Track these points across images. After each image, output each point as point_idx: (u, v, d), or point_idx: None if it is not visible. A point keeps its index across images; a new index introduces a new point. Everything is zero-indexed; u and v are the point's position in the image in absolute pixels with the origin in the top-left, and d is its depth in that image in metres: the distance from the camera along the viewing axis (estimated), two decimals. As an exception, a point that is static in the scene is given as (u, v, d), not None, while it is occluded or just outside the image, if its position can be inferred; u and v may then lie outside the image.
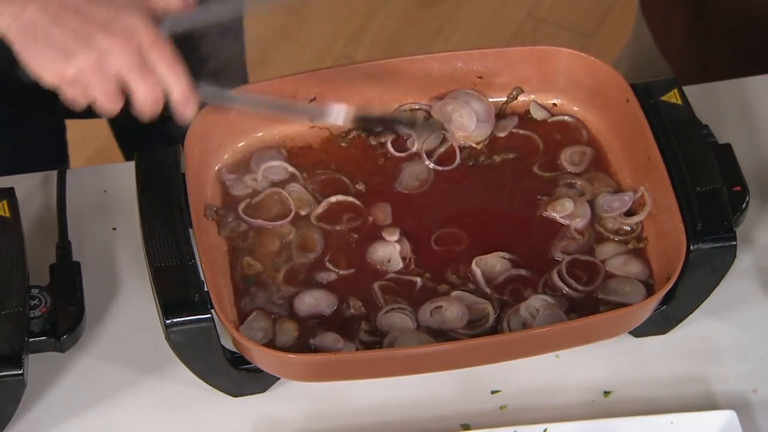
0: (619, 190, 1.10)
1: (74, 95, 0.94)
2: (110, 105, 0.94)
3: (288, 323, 1.03)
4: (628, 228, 1.08)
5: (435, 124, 1.07)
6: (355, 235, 1.08)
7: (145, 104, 0.94)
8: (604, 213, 1.08)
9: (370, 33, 2.28)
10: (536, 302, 1.03)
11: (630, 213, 1.08)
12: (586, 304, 1.04)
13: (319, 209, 1.09)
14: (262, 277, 1.06)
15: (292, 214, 1.08)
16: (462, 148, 1.13)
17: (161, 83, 0.94)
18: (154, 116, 0.96)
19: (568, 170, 1.11)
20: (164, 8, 0.97)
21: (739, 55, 1.32)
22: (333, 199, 1.09)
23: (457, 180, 1.12)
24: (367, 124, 1.05)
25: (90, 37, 0.92)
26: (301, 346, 1.02)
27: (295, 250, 1.07)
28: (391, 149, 1.13)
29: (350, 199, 1.10)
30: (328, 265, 1.06)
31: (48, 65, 0.92)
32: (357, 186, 1.11)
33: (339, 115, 1.01)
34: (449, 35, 2.37)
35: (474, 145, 1.13)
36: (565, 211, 1.08)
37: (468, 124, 1.12)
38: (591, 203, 1.09)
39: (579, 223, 1.08)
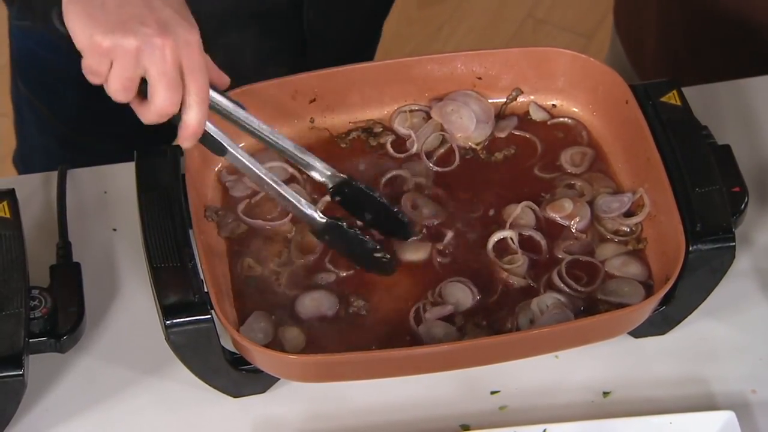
0: (618, 191, 1.10)
1: (94, 67, 0.92)
2: (122, 93, 0.93)
3: (291, 329, 1.03)
4: (627, 229, 1.08)
5: (390, 266, 1.04)
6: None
7: (155, 113, 0.94)
8: (603, 214, 1.09)
9: (370, 33, 2.28)
10: (549, 299, 1.03)
11: (629, 214, 1.09)
12: (586, 304, 1.04)
13: (319, 207, 1.09)
14: (263, 278, 1.06)
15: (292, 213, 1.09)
16: (461, 149, 1.13)
17: (180, 105, 0.93)
18: (149, 124, 0.96)
19: (568, 171, 1.12)
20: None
21: (708, 70, 1.33)
22: (329, 198, 1.09)
23: (456, 181, 1.12)
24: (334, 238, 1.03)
25: (144, 25, 0.91)
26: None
27: (294, 252, 1.07)
28: (391, 150, 1.14)
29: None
30: (328, 266, 1.06)
31: (87, 27, 0.90)
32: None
33: (319, 220, 1.02)
34: (449, 36, 2.37)
35: (474, 146, 1.13)
36: (564, 211, 1.08)
37: (468, 125, 1.12)
38: (591, 204, 1.09)
39: (579, 223, 1.08)
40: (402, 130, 1.14)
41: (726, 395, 1.06)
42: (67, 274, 1.08)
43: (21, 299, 1.00)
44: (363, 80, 1.13)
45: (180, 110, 0.94)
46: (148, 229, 1.02)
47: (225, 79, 0.99)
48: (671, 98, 1.10)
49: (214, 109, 0.98)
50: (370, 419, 1.05)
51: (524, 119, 1.15)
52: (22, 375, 0.97)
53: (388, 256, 1.04)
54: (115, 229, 1.15)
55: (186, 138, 0.95)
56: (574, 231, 1.08)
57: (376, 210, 1.05)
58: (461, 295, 1.04)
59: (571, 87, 1.14)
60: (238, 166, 1.01)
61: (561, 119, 1.15)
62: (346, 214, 1.06)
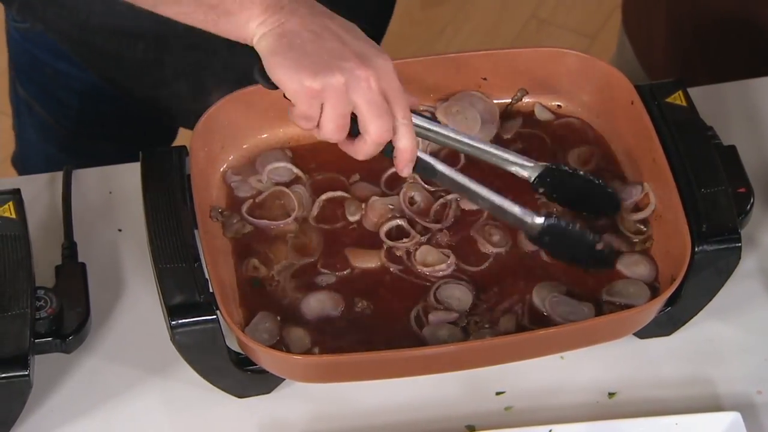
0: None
1: (307, 111, 0.94)
2: (338, 132, 0.94)
3: (296, 330, 1.03)
4: (634, 225, 1.08)
5: (611, 259, 1.03)
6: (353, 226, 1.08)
7: (372, 143, 0.95)
8: None
9: (373, 34, 2.28)
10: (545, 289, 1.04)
11: (635, 210, 1.09)
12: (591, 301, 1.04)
13: (315, 210, 1.09)
14: (267, 278, 1.06)
15: (296, 212, 1.09)
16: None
17: (392, 131, 0.95)
18: (369, 157, 0.96)
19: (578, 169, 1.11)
20: None
21: (718, 70, 1.33)
22: (324, 197, 1.09)
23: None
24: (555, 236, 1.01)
25: (344, 60, 0.92)
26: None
27: (291, 253, 1.07)
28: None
29: (340, 194, 1.10)
30: (322, 270, 1.06)
31: (295, 74, 0.92)
32: (351, 180, 1.11)
33: (539, 224, 1.01)
34: (452, 36, 2.37)
35: None
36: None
37: (473, 126, 1.12)
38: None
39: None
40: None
41: (732, 396, 1.06)
42: (72, 275, 1.08)
43: (27, 299, 1.00)
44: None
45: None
46: (153, 229, 1.02)
47: (414, 100, 1.00)
48: (677, 99, 1.10)
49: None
50: (375, 420, 1.05)
51: (529, 120, 1.15)
52: (27, 375, 0.97)
53: (610, 247, 1.03)
54: (120, 230, 1.15)
55: (404, 164, 0.97)
56: None
57: (581, 189, 1.04)
58: (460, 295, 1.04)
59: (577, 87, 1.14)
60: (450, 186, 1.01)
61: (566, 119, 1.15)
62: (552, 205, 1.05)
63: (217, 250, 1.06)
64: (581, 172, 1.06)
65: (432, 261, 1.06)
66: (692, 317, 1.08)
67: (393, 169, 1.10)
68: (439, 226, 1.07)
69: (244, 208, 1.09)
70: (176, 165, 1.06)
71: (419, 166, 0.98)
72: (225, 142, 1.11)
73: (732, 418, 1.01)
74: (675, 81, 1.11)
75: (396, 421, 1.05)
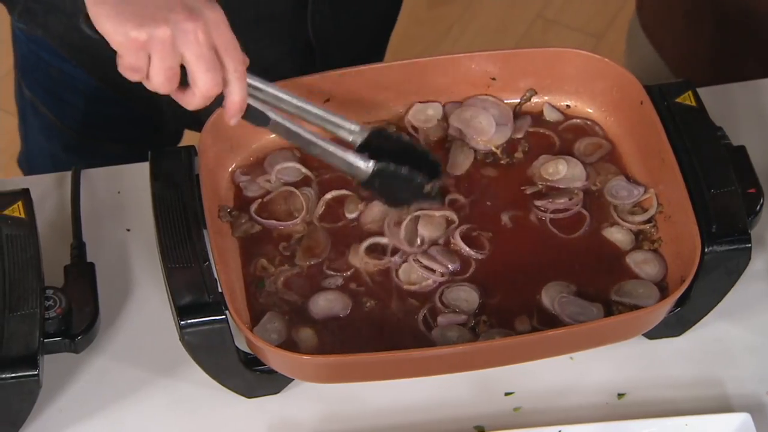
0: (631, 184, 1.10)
1: (134, 63, 0.92)
2: (166, 83, 0.93)
3: (304, 330, 1.03)
4: (636, 224, 1.08)
5: (438, 197, 1.05)
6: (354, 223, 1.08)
7: (200, 96, 0.94)
8: (611, 198, 1.09)
9: (379, 34, 2.28)
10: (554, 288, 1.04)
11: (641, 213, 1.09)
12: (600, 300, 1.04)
13: (320, 209, 1.09)
14: (276, 278, 1.06)
15: (304, 212, 1.09)
16: (482, 153, 1.13)
17: (222, 83, 0.94)
18: (194, 110, 0.96)
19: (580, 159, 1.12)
20: None
21: (736, 70, 1.32)
22: (329, 195, 1.09)
23: (467, 182, 1.12)
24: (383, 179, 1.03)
25: (172, 11, 0.90)
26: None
27: (301, 255, 1.07)
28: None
29: (343, 192, 1.09)
30: (327, 272, 1.06)
31: (119, 25, 0.90)
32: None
33: (367, 167, 1.01)
34: (458, 36, 2.37)
35: (494, 149, 1.13)
36: (558, 174, 1.09)
37: (488, 129, 1.12)
38: (599, 192, 1.10)
39: (577, 184, 1.09)
40: (417, 123, 1.14)
41: (741, 397, 1.05)
42: (81, 274, 1.08)
43: (36, 299, 1.00)
44: (377, 81, 1.13)
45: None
46: (162, 229, 1.02)
47: (245, 58, 0.98)
48: (686, 99, 1.09)
49: None
50: (384, 420, 1.05)
51: (538, 120, 1.15)
52: (37, 375, 0.97)
53: (437, 187, 1.03)
54: (128, 230, 1.15)
55: (233, 114, 0.96)
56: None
57: (404, 154, 1.04)
58: (466, 296, 1.04)
59: (586, 88, 1.14)
60: (281, 134, 1.00)
61: (575, 120, 1.15)
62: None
63: (226, 250, 1.06)
64: (405, 138, 1.05)
65: (416, 279, 1.05)
66: (702, 318, 1.07)
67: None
68: (414, 249, 1.06)
69: (253, 207, 1.09)
70: (185, 165, 1.06)
71: (251, 114, 0.97)
72: (234, 142, 1.11)
73: (742, 419, 1.01)
74: (684, 81, 1.11)
75: (405, 422, 1.05)
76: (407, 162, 1.03)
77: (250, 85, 0.98)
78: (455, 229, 1.07)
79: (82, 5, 0.92)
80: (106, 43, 1.22)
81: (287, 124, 0.99)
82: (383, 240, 1.07)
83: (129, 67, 0.92)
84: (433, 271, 1.05)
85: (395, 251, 1.06)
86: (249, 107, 0.97)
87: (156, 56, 0.91)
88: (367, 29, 1.34)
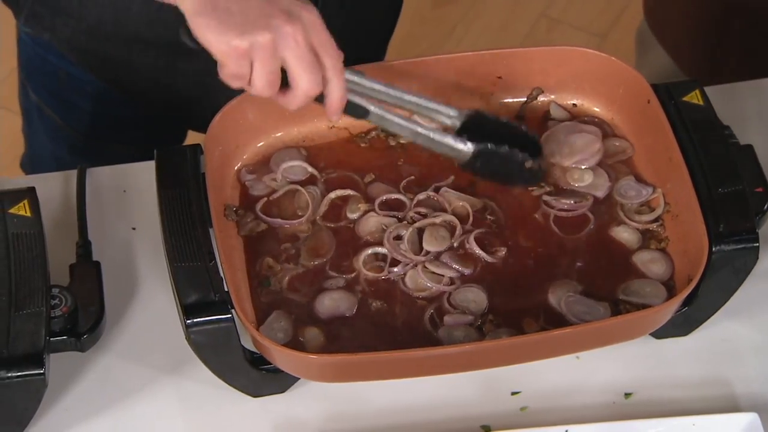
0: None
1: (237, 70, 0.93)
2: (269, 88, 0.94)
3: (310, 329, 1.03)
4: (642, 225, 1.08)
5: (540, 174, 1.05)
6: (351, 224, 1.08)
7: (302, 96, 0.95)
8: (619, 197, 1.09)
9: (383, 33, 2.28)
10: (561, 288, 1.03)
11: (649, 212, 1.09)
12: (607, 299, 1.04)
13: (323, 208, 1.09)
14: (282, 277, 1.06)
15: (310, 211, 1.08)
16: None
17: (322, 83, 0.95)
18: (301, 107, 0.97)
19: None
20: None
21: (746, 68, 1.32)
22: (333, 195, 1.09)
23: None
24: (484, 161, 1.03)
25: (271, 17, 0.92)
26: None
27: (306, 255, 1.07)
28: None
29: (347, 192, 1.09)
30: (330, 273, 1.06)
31: (221, 34, 0.92)
32: (366, 180, 1.11)
33: (468, 149, 1.02)
34: (462, 35, 2.37)
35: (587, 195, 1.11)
36: (582, 181, 1.09)
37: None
38: (611, 187, 1.10)
39: (599, 192, 1.09)
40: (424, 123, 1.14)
41: (749, 397, 1.05)
42: (87, 273, 1.07)
43: (42, 298, 1.00)
44: (382, 79, 1.13)
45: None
46: (168, 227, 1.02)
47: (341, 55, 0.99)
48: (693, 98, 1.09)
49: None
50: (390, 420, 1.05)
51: (545, 119, 1.15)
52: (43, 374, 0.97)
53: (539, 164, 1.04)
54: (134, 228, 1.15)
55: (335, 111, 0.97)
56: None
57: (503, 134, 1.04)
58: (474, 297, 1.04)
59: (592, 86, 1.14)
60: (382, 124, 1.01)
61: (582, 119, 1.15)
62: None
63: (232, 249, 1.06)
64: (502, 118, 1.05)
65: (424, 285, 1.05)
66: (709, 317, 1.07)
67: (412, 177, 1.11)
68: (421, 258, 1.06)
69: (259, 206, 1.09)
70: (191, 163, 1.06)
71: (351, 108, 0.98)
72: (240, 141, 1.11)
73: (749, 418, 1.01)
74: (692, 80, 1.10)
75: (411, 421, 1.05)
76: (507, 142, 1.03)
77: (347, 80, 0.99)
78: (469, 233, 1.07)
79: (182, 17, 0.93)
80: (118, 47, 1.22)
81: (387, 114, 1.00)
82: (382, 250, 1.06)
83: (232, 74, 0.94)
84: (442, 277, 1.05)
85: (395, 263, 1.06)
86: (349, 102, 0.98)
87: (258, 62, 0.93)
88: (370, 28, 1.33)
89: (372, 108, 1.00)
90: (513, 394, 1.06)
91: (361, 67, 1.12)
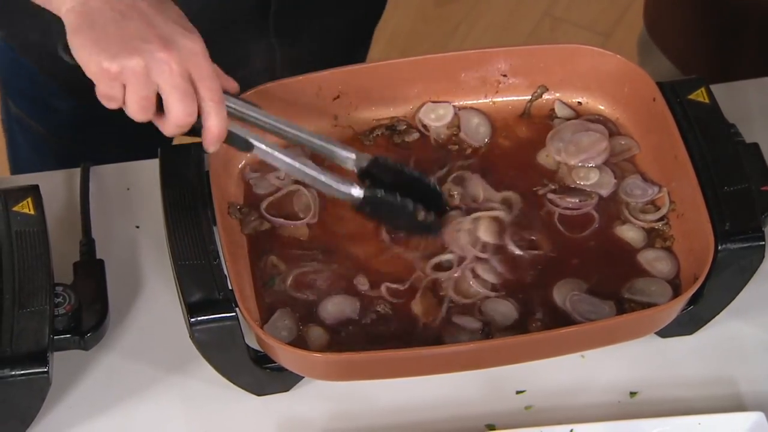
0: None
1: (108, 92, 0.93)
2: (141, 112, 0.94)
3: (315, 328, 1.03)
4: (647, 224, 1.07)
5: (435, 227, 1.03)
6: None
7: (173, 125, 0.94)
8: (625, 196, 1.08)
9: (386, 31, 2.28)
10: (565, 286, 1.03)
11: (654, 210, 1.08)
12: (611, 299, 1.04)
13: (324, 209, 1.09)
14: (286, 276, 1.06)
15: (312, 211, 1.08)
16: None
17: (198, 113, 0.94)
18: (176, 135, 0.96)
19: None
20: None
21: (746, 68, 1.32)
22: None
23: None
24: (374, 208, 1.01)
25: (147, 42, 0.91)
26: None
27: (308, 252, 1.06)
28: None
29: None
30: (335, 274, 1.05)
31: (94, 55, 0.91)
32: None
33: (357, 195, 1.00)
34: (466, 34, 2.37)
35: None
36: (588, 180, 1.08)
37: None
38: (617, 186, 1.10)
39: (603, 191, 1.08)
40: (427, 121, 1.13)
41: (755, 396, 1.05)
42: (90, 271, 1.07)
43: (45, 296, 0.99)
44: (387, 77, 1.13)
45: (199, 118, 0.94)
46: (172, 226, 1.01)
47: (233, 84, 0.99)
48: (699, 96, 1.09)
49: (230, 114, 0.98)
50: (394, 419, 1.05)
51: (550, 117, 1.14)
52: (47, 372, 0.96)
53: (432, 216, 1.03)
54: (138, 226, 1.15)
55: (210, 143, 0.96)
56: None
57: (407, 185, 1.03)
58: (505, 310, 1.03)
59: (597, 84, 1.13)
60: (267, 159, 1.00)
61: (587, 117, 1.14)
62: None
63: (236, 247, 1.05)
64: (406, 169, 1.04)
65: (469, 293, 1.04)
66: (715, 316, 1.07)
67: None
68: (485, 256, 1.05)
69: (263, 205, 1.09)
70: (194, 161, 1.06)
71: (232, 141, 0.97)
72: (244, 139, 1.11)
73: (755, 417, 1.01)
74: (697, 78, 1.10)
75: (415, 420, 1.05)
76: (409, 191, 1.02)
77: (238, 111, 0.98)
78: (506, 235, 1.06)
79: (63, 34, 0.92)
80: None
81: (274, 151, 0.99)
82: (448, 257, 1.05)
83: (104, 96, 0.93)
84: (486, 281, 1.04)
85: (462, 260, 1.05)
86: (230, 134, 0.96)
87: (129, 87, 0.92)
88: (339, 29, 1.32)
89: (256, 143, 0.98)
90: (518, 393, 1.06)
91: (367, 65, 1.12)
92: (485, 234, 1.06)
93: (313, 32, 1.28)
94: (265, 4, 1.22)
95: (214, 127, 0.94)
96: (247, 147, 0.99)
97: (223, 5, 1.20)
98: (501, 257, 1.05)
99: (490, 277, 1.04)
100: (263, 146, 0.98)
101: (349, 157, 1.02)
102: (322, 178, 1.00)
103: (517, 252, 1.05)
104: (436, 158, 1.12)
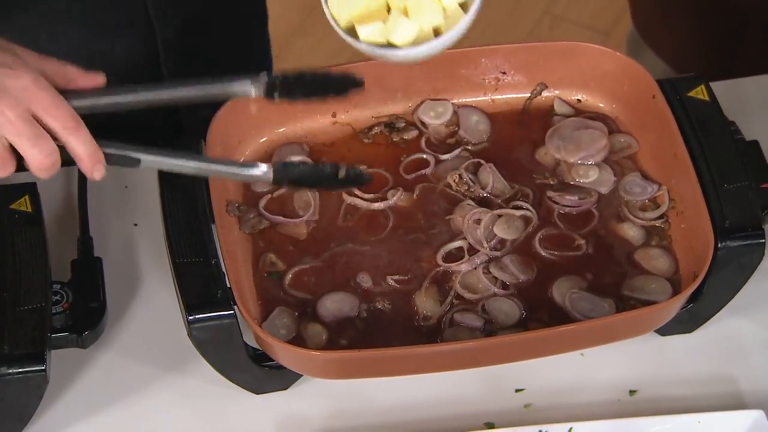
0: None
1: None
2: (3, 169, 0.88)
3: (313, 325, 1.02)
4: (646, 222, 1.07)
5: (361, 176, 0.99)
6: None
7: (40, 170, 0.89)
8: (624, 194, 1.08)
9: (386, 30, 2.28)
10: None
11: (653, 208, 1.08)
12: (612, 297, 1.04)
13: (318, 207, 1.08)
14: (284, 274, 1.05)
15: (312, 209, 1.08)
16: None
17: (58, 147, 0.89)
18: (49, 176, 0.90)
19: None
20: (65, 82, 0.91)
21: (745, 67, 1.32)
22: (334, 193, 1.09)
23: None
24: (291, 179, 0.98)
25: None
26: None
27: (307, 250, 1.06)
28: (423, 146, 1.12)
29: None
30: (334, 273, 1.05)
31: None
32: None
33: (265, 172, 0.95)
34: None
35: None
36: (588, 177, 1.08)
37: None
38: (616, 183, 1.09)
39: (602, 189, 1.08)
40: (426, 119, 1.13)
41: (754, 394, 1.05)
42: (88, 269, 1.07)
43: (43, 294, 0.99)
44: (386, 75, 1.12)
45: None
46: (170, 224, 1.01)
47: (99, 79, 0.93)
48: (699, 93, 1.09)
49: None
50: (393, 417, 1.04)
51: (549, 114, 1.14)
52: (44, 370, 0.96)
53: (355, 170, 0.98)
54: (136, 224, 1.14)
55: (90, 170, 0.91)
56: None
57: (315, 84, 0.97)
58: (508, 309, 1.03)
59: (597, 82, 1.13)
60: (164, 168, 0.95)
61: (587, 115, 1.14)
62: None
63: (234, 245, 1.05)
64: (306, 73, 0.96)
65: (478, 288, 1.04)
66: (714, 314, 1.07)
67: (413, 157, 1.10)
68: (497, 254, 1.05)
69: (262, 203, 1.09)
70: (193, 159, 1.06)
71: (116, 161, 0.92)
72: (242, 136, 1.11)
73: (755, 416, 1.01)
74: (697, 75, 1.10)
75: (414, 418, 1.04)
76: (321, 88, 0.96)
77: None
78: (533, 234, 1.06)
79: None
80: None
81: (164, 159, 0.94)
82: (458, 244, 1.05)
83: None
84: (496, 279, 1.04)
85: (473, 251, 1.04)
86: (111, 155, 0.91)
87: None
88: (224, 33, 1.28)
89: (143, 156, 0.92)
90: (517, 391, 1.06)
91: (366, 63, 1.12)
92: (503, 231, 1.05)
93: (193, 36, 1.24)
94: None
95: (82, 152, 0.89)
96: (135, 163, 0.93)
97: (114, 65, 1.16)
98: (516, 257, 1.05)
99: (503, 276, 1.04)
100: (151, 157, 0.93)
101: (245, 81, 0.94)
102: (225, 168, 0.96)
103: (543, 253, 1.05)
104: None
